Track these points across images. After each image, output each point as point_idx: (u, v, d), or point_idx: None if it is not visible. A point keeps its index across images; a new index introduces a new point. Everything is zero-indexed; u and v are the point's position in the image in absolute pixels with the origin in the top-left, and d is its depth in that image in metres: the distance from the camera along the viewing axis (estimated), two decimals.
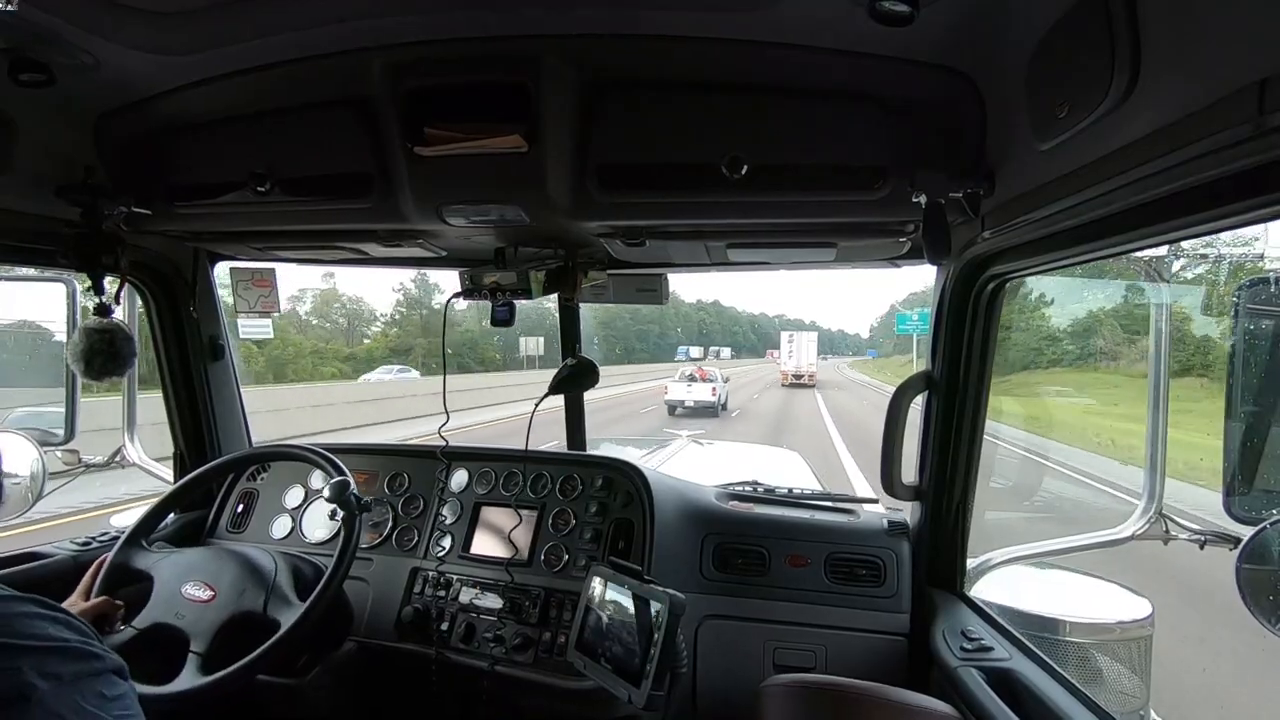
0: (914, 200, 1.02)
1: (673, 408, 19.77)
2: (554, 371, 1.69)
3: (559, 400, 1.89)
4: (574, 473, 1.67)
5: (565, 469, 1.69)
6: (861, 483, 8.40)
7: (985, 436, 1.43)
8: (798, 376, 35.80)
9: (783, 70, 1.02)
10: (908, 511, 1.64)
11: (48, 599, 0.58)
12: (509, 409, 15.23)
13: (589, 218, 1.25)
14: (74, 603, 1.28)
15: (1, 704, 0.49)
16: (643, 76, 1.06)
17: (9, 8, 0.78)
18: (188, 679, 1.22)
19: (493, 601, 1.55)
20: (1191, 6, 0.59)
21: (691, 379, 20.77)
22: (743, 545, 1.61)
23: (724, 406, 20.63)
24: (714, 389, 20.35)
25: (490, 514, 1.69)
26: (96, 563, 1.37)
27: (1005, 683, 1.20)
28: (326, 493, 1.42)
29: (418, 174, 1.15)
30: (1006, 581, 1.65)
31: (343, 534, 1.38)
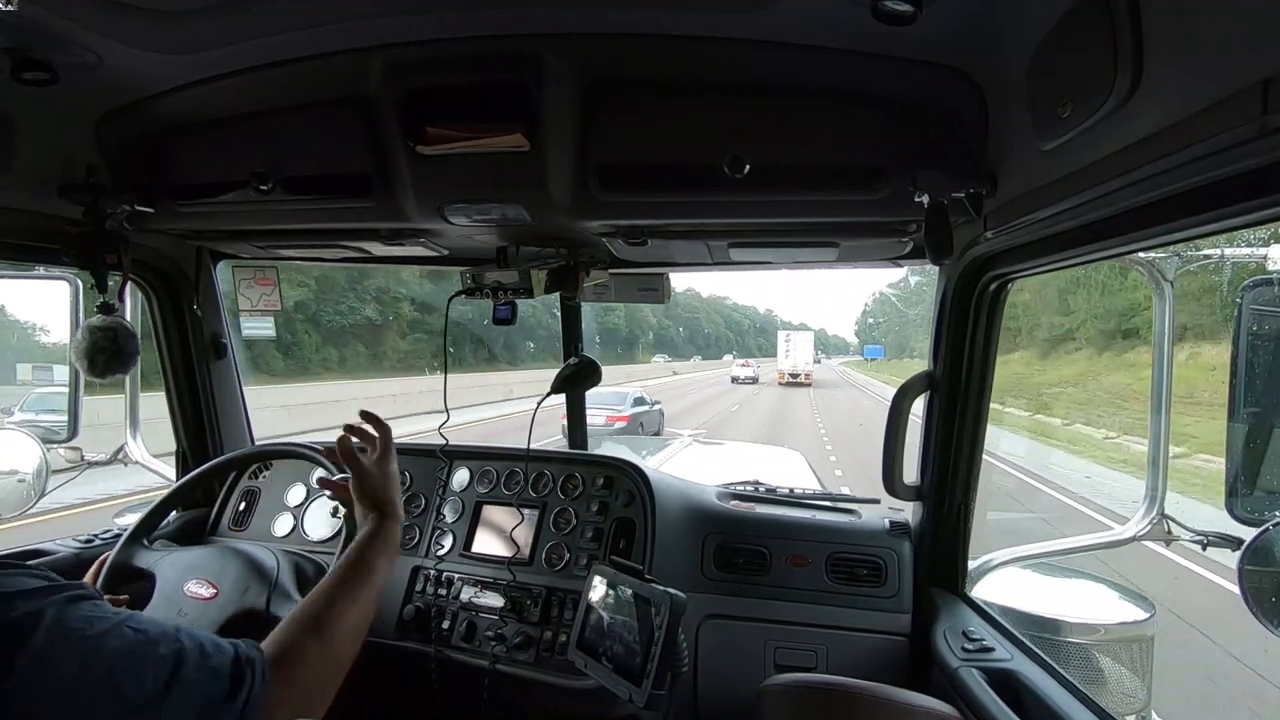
0: (916, 200, 1.02)
1: (734, 379, 38.77)
2: None
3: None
4: (575, 472, 1.67)
5: (566, 468, 1.69)
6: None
7: None
8: (794, 376, 37.81)
9: (784, 70, 1.01)
10: (909, 511, 1.64)
11: (20, 561, 0.65)
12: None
13: (590, 217, 1.25)
14: None
15: (14, 634, 0.56)
16: (644, 76, 1.06)
17: (10, 7, 0.78)
18: None
19: (494, 600, 1.55)
20: (1195, 6, 0.59)
21: (744, 365, 42.29)
22: (743, 545, 1.61)
23: (757, 380, 38.84)
24: (754, 371, 40.78)
25: (491, 513, 1.69)
26: (97, 562, 1.38)
27: (1006, 683, 1.19)
28: (328, 491, 1.42)
29: (419, 172, 1.15)
30: (1008, 581, 1.65)
31: (344, 531, 1.38)
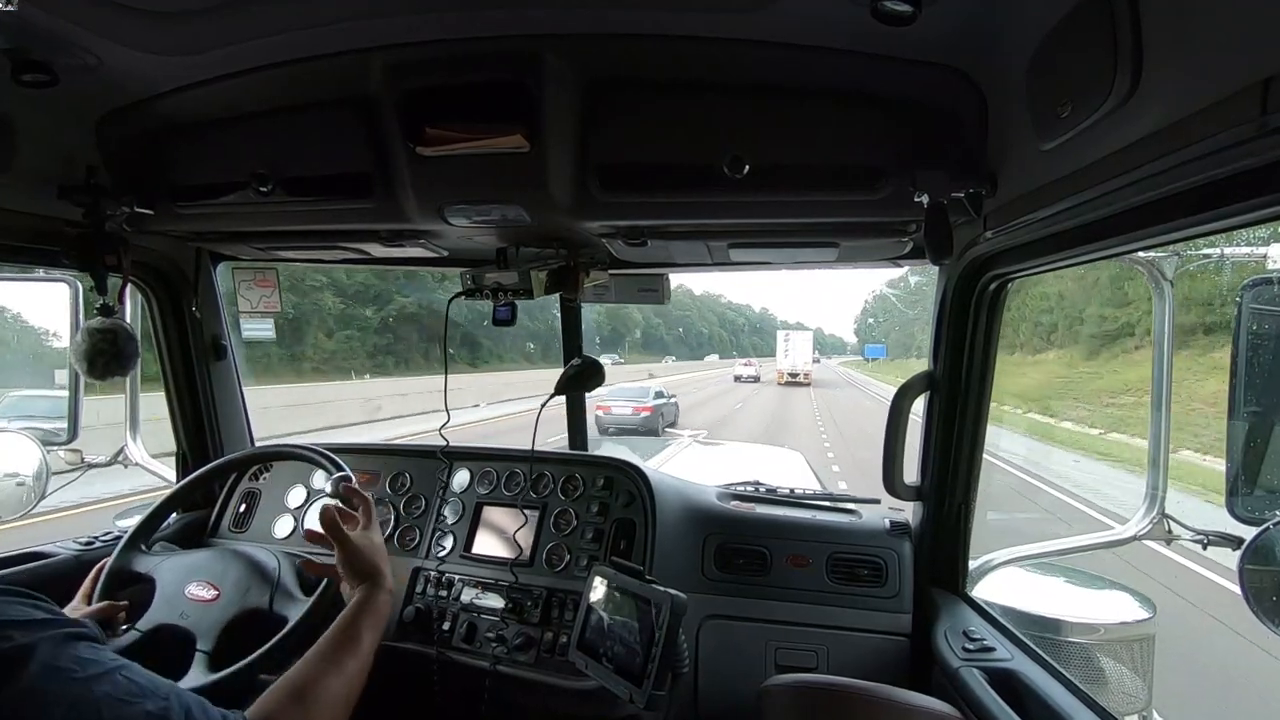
0: (916, 200, 1.02)
1: (737, 378, 39.59)
2: None
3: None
4: (576, 472, 1.67)
5: (567, 469, 1.69)
6: None
7: None
8: (793, 375, 38.24)
9: (784, 70, 1.01)
10: (909, 511, 1.64)
11: (23, 588, 0.64)
12: None
13: (590, 218, 1.25)
14: (76, 607, 1.28)
15: (11, 663, 0.56)
16: (644, 76, 1.06)
17: (9, 7, 0.78)
18: (195, 677, 1.21)
19: (494, 601, 1.55)
20: (1194, 5, 0.59)
21: (746, 364, 43.21)
22: (744, 545, 1.61)
23: (759, 379, 39.49)
24: (756, 371, 41.56)
25: (492, 514, 1.69)
26: (95, 568, 1.36)
27: (1007, 683, 1.19)
28: (328, 488, 1.42)
29: (419, 174, 1.15)
30: (1009, 580, 1.65)
31: (322, 590, 1.37)
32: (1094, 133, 0.72)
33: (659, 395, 16.04)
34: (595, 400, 14.56)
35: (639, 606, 1.12)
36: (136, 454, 1.89)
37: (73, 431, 1.75)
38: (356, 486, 1.24)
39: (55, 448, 1.72)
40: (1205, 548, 1.34)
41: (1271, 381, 1.14)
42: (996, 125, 0.97)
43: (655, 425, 14.71)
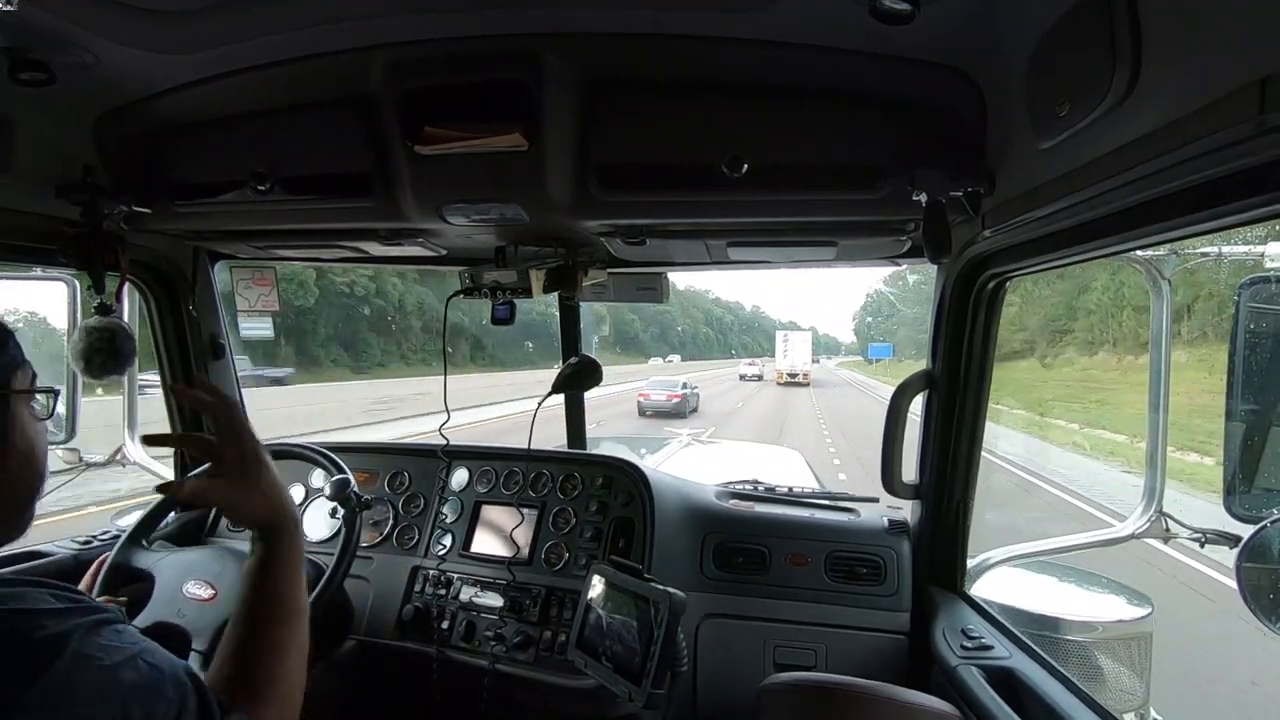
0: (914, 199, 1.02)
1: (742, 376, 41.90)
2: None
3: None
4: (574, 471, 1.68)
5: (566, 468, 1.69)
6: None
7: None
8: (792, 375, 39.22)
9: (783, 69, 1.01)
10: (908, 510, 1.64)
11: (46, 579, 0.65)
12: None
13: (589, 217, 1.25)
14: None
15: (43, 653, 0.57)
16: (643, 76, 1.06)
17: (8, 7, 0.77)
18: None
19: (493, 600, 1.55)
20: (1193, 5, 0.59)
21: (750, 365, 45.30)
22: (743, 544, 1.61)
23: (761, 377, 41.39)
24: (760, 370, 43.28)
25: (491, 513, 1.69)
26: (96, 563, 1.37)
27: (1005, 681, 1.20)
28: (327, 490, 1.42)
29: (418, 173, 1.15)
30: (1007, 579, 1.65)
31: (343, 532, 1.38)
32: (1092, 132, 0.72)
33: (685, 386, 20.87)
34: (637, 390, 20.21)
35: (638, 605, 1.12)
36: (135, 453, 1.88)
37: (70, 431, 1.74)
38: (216, 387, 0.92)
39: (53, 446, 1.72)
40: (1203, 545, 1.34)
41: (1269, 380, 1.15)
42: (995, 124, 0.97)
43: (684, 409, 19.48)
